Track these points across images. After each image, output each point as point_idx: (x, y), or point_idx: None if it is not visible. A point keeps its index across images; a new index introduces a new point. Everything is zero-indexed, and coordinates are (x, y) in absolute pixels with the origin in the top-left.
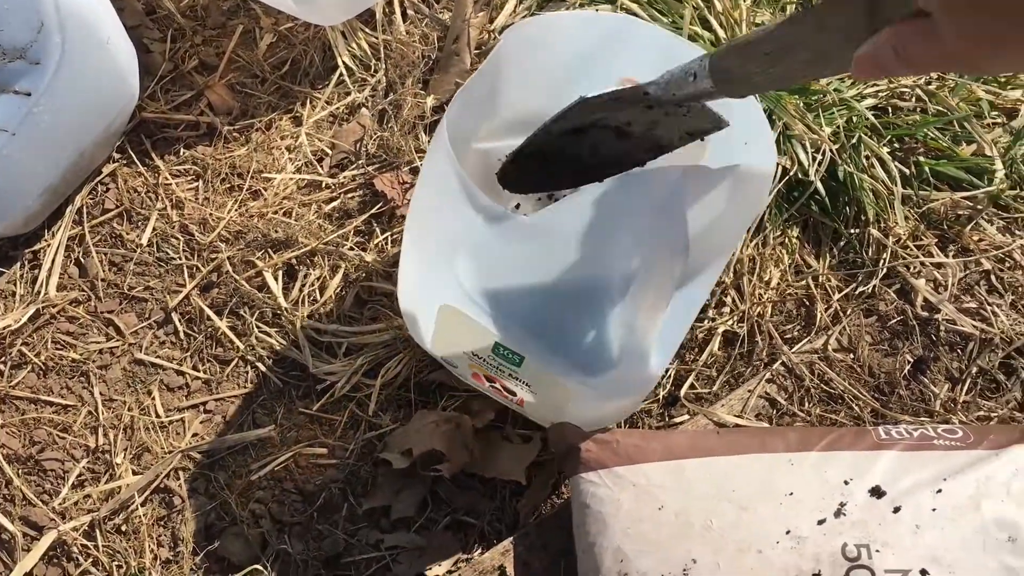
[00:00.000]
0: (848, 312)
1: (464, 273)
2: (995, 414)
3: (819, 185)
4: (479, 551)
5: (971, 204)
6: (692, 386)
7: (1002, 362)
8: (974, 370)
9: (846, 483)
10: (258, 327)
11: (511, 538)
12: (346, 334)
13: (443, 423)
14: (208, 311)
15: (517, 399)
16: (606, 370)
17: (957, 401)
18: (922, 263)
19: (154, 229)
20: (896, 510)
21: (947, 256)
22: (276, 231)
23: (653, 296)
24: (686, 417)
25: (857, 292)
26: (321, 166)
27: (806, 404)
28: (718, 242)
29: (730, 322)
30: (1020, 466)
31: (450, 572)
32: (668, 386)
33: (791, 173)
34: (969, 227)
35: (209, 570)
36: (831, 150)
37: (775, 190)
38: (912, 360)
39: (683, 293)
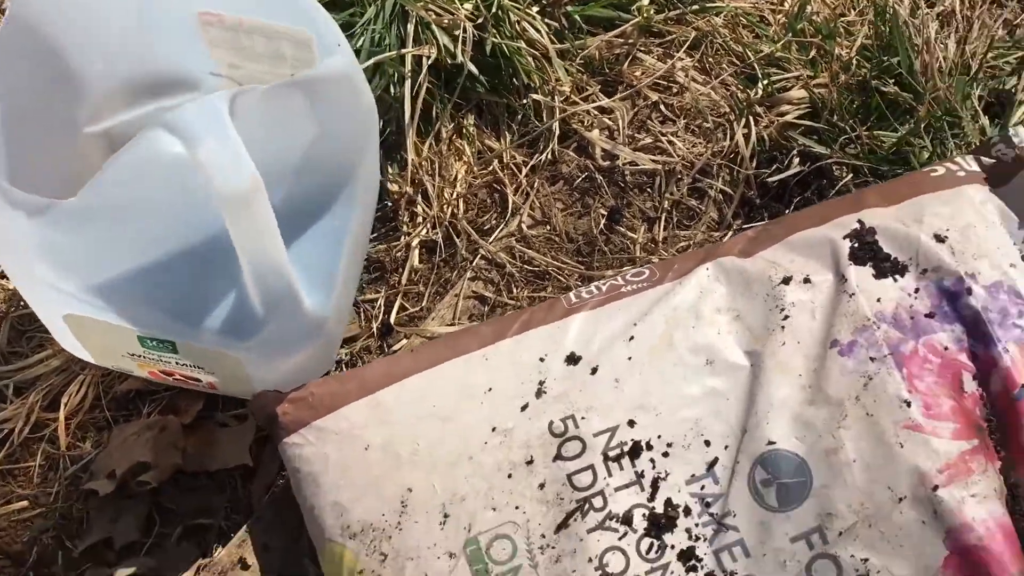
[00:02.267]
0: (536, 184)
1: (57, 276)
2: (695, 240)
3: (471, 67)
4: (219, 550)
5: (623, 40)
6: (403, 308)
7: (690, 188)
8: (666, 204)
9: (542, 360)
10: None
11: (245, 526)
12: (10, 373)
13: (144, 431)
14: None
15: (205, 383)
16: (260, 328)
17: (657, 240)
18: (591, 113)
19: None
20: (593, 371)
21: (614, 100)
22: None
23: (253, 242)
24: (404, 342)
25: (541, 162)
26: None
27: (514, 290)
28: (337, 161)
29: (424, 231)
30: (705, 287)
31: None
32: (380, 316)
33: (441, 60)
34: (628, 63)
35: None
36: (472, 27)
37: (428, 83)
38: (605, 213)
39: (324, 224)
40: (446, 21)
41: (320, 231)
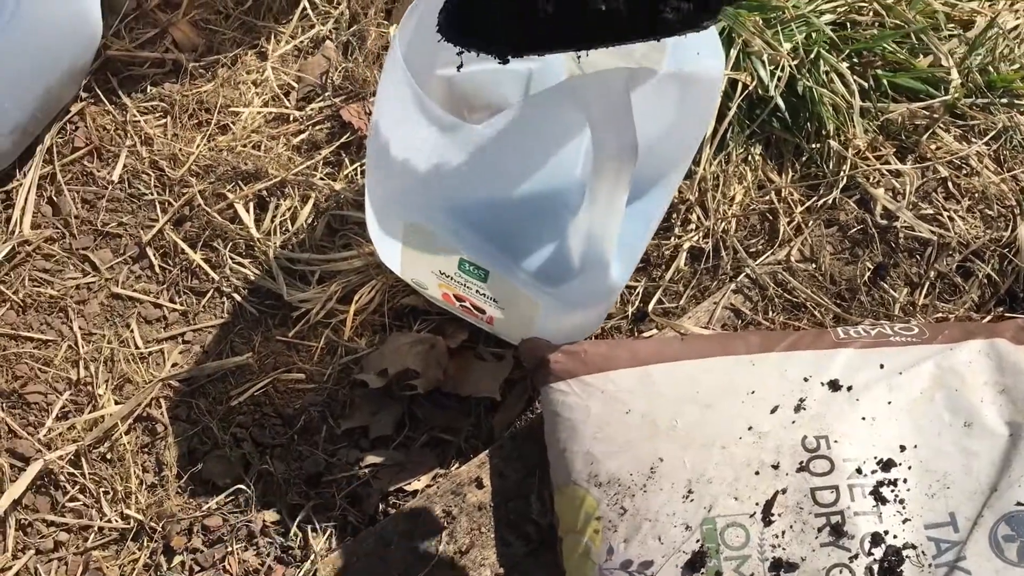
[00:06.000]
0: (810, 224)
1: (423, 189)
2: (953, 315)
3: (779, 101)
4: (456, 465)
5: (928, 114)
6: (660, 301)
7: (959, 265)
8: (932, 274)
9: (805, 380)
10: (232, 258)
11: (487, 451)
12: (319, 262)
13: (417, 344)
14: (182, 244)
15: (487, 317)
16: (568, 280)
17: (916, 304)
18: (881, 172)
19: (124, 166)
20: (853, 404)
21: (905, 165)
22: (246, 163)
23: (605, 204)
24: (654, 331)
25: (819, 204)
26: (288, 99)
27: (770, 313)
28: (671, 153)
29: (695, 238)
30: (975, 360)
31: (428, 486)
32: (636, 303)
33: (751, 89)
34: (926, 136)
35: (194, 492)
36: (790, 66)
37: (736, 108)
38: (872, 267)
39: (639, 205)
40: (766, 56)
41: (637, 210)
